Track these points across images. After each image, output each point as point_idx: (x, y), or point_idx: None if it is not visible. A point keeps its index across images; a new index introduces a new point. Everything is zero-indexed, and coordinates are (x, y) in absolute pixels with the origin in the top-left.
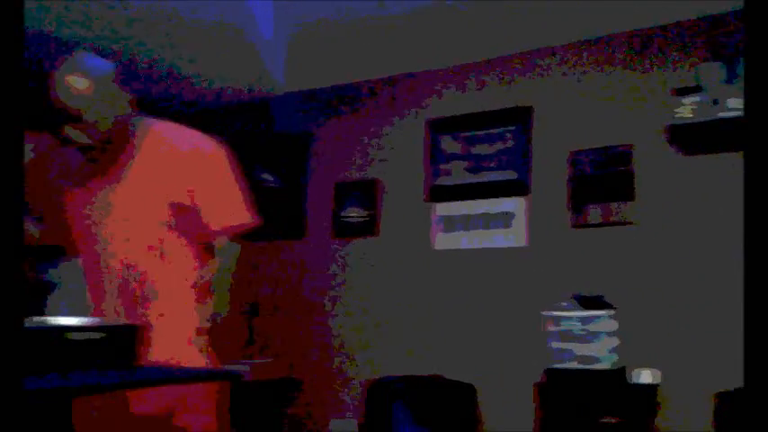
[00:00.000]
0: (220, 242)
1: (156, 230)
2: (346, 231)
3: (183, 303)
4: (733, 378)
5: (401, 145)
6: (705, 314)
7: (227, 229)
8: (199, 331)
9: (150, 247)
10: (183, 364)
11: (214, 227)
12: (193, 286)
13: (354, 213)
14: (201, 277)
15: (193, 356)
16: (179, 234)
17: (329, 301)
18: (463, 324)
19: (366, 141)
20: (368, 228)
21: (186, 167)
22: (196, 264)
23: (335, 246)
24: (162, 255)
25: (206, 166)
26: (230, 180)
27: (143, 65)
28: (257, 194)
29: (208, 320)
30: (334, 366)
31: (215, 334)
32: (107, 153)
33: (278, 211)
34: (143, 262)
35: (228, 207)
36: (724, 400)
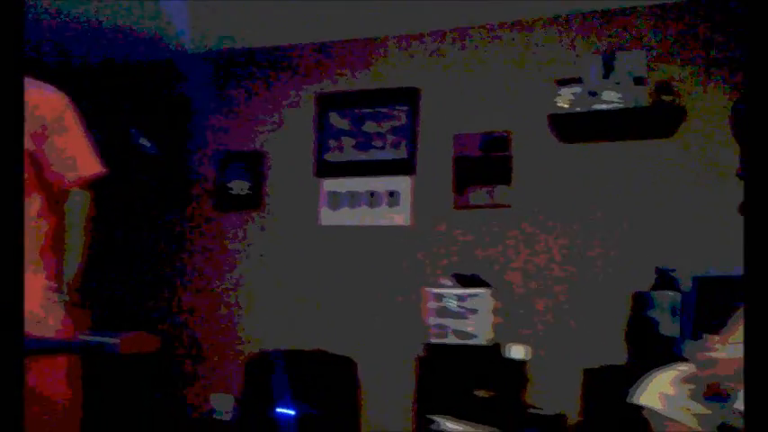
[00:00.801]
0: (71, 194)
1: None
2: (230, 204)
3: (30, 258)
4: (601, 355)
5: (291, 118)
6: (575, 294)
7: (74, 178)
8: (51, 288)
9: None
10: (31, 325)
11: (59, 176)
12: (44, 240)
13: (239, 186)
14: (49, 230)
15: (43, 315)
16: (25, 184)
17: (210, 274)
18: (346, 299)
19: (255, 112)
20: (252, 201)
21: (29, 116)
22: (44, 215)
23: (218, 218)
24: None
25: (49, 115)
26: (75, 129)
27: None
28: (133, 160)
29: (62, 277)
30: (214, 341)
31: (71, 293)
32: None
33: (157, 179)
34: None
35: (74, 156)
36: (591, 377)
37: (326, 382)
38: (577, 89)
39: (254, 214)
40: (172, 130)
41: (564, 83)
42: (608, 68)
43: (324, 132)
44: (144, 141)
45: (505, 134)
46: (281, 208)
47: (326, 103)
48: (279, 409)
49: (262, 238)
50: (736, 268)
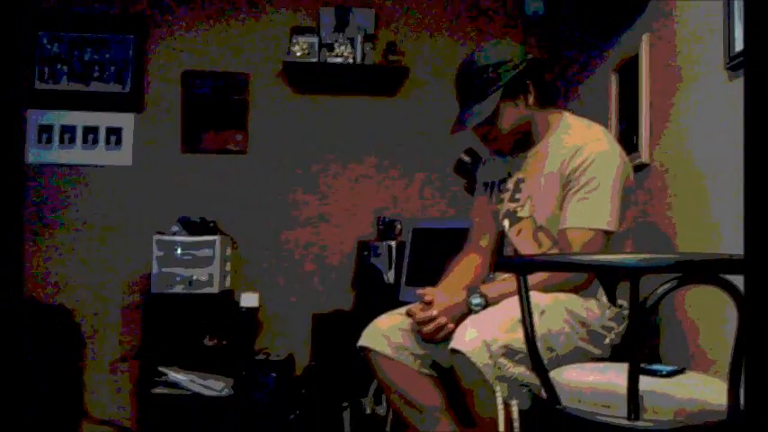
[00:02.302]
0: None
1: None
2: None
3: None
4: (330, 301)
5: None
6: (308, 242)
7: None
8: None
9: None
10: None
11: None
12: None
13: None
14: None
15: None
16: None
17: None
18: (60, 246)
19: None
20: None
21: None
22: None
23: None
24: None
25: None
26: None
27: None
28: None
29: None
30: None
31: None
32: None
33: None
34: None
35: None
36: (320, 321)
37: (38, 333)
38: (313, 39)
39: None
40: None
41: (299, 31)
42: (341, 23)
43: (34, 56)
44: None
45: (242, 76)
46: None
47: (38, 22)
48: None
49: None
50: (449, 221)
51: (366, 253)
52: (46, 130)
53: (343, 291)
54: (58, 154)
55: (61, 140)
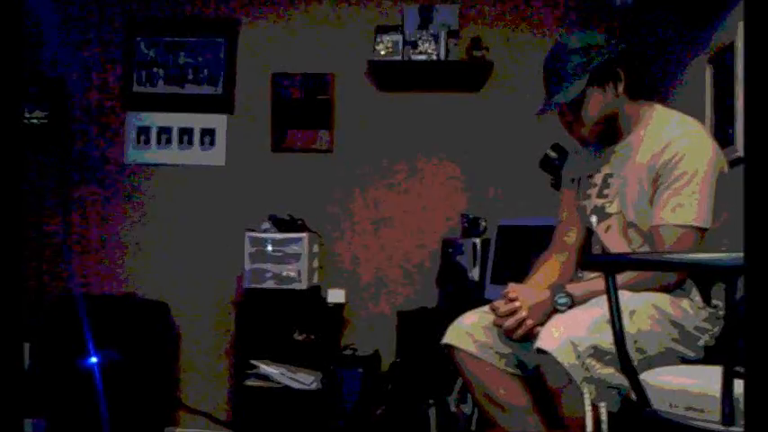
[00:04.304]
0: None
1: None
2: (28, 135)
3: None
4: (415, 298)
5: (96, 42)
6: (392, 239)
7: None
8: None
9: None
10: None
11: None
12: None
13: (34, 114)
14: None
15: None
16: None
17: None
18: (159, 242)
19: (55, 33)
20: (48, 134)
21: None
22: None
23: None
24: None
25: None
26: None
27: None
28: None
29: None
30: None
31: None
32: None
33: None
34: None
35: None
36: (405, 318)
37: (137, 327)
38: (397, 37)
39: (52, 147)
40: None
41: (383, 30)
42: (425, 20)
43: (132, 61)
44: None
45: (328, 77)
46: (83, 142)
47: (136, 28)
48: (82, 357)
49: (63, 174)
50: (534, 218)
51: (451, 250)
52: (144, 131)
53: (427, 288)
54: (155, 154)
55: (158, 141)
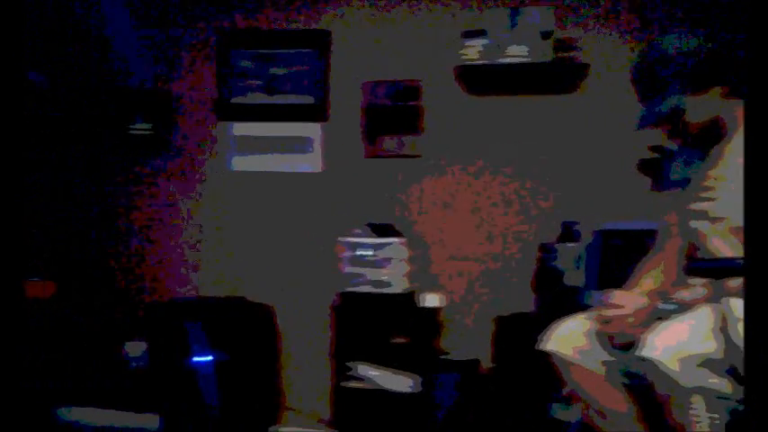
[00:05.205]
0: None
1: None
2: (133, 146)
3: None
4: (510, 303)
5: (193, 57)
6: (485, 244)
7: None
8: None
9: None
10: None
11: None
12: None
13: (140, 126)
14: None
15: None
16: None
17: (115, 217)
18: (260, 247)
19: (153, 49)
20: (157, 144)
21: None
22: None
23: (121, 160)
24: None
25: None
26: None
27: None
28: (26, 96)
29: None
30: (122, 286)
31: None
32: None
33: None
34: None
35: None
36: (502, 324)
37: (244, 330)
38: (485, 41)
39: (158, 157)
40: (66, 65)
41: (469, 35)
42: (514, 23)
43: (228, 73)
44: (36, 76)
45: (416, 83)
46: (186, 151)
47: (231, 41)
48: (195, 357)
49: (170, 183)
50: (635, 222)
51: (547, 255)
52: (241, 140)
53: (523, 293)
54: (254, 162)
55: (255, 150)
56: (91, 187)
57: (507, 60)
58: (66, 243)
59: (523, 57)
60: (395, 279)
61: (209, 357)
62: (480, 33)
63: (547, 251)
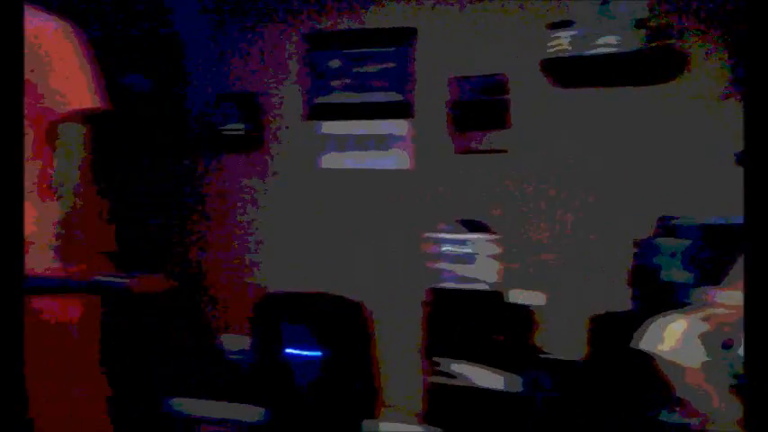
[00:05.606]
0: (63, 127)
1: None
2: (227, 146)
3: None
4: (605, 301)
5: (279, 58)
6: (576, 240)
7: (67, 110)
8: (43, 232)
9: None
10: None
11: (54, 107)
12: (37, 179)
13: (235, 128)
14: (43, 170)
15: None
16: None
17: (211, 216)
18: (349, 244)
19: (245, 52)
20: (250, 143)
21: (27, 46)
22: (36, 153)
23: (216, 160)
24: None
25: (47, 45)
26: (72, 59)
27: None
28: (124, 100)
29: (57, 220)
30: (219, 283)
31: (67, 237)
32: None
33: (152, 119)
34: None
35: (70, 86)
36: (597, 322)
37: (337, 326)
38: (573, 32)
39: (252, 157)
40: (165, 69)
41: (556, 26)
42: (604, 11)
43: (315, 73)
44: (136, 79)
45: (503, 77)
46: (278, 150)
47: (317, 42)
48: (293, 351)
49: (262, 181)
50: (737, 217)
51: (643, 251)
52: (330, 139)
53: (618, 290)
54: (343, 160)
55: (346, 147)
56: (187, 186)
57: (597, 51)
58: (173, 241)
59: (615, 46)
60: (484, 275)
61: (316, 353)
62: (569, 24)
63: (644, 247)
